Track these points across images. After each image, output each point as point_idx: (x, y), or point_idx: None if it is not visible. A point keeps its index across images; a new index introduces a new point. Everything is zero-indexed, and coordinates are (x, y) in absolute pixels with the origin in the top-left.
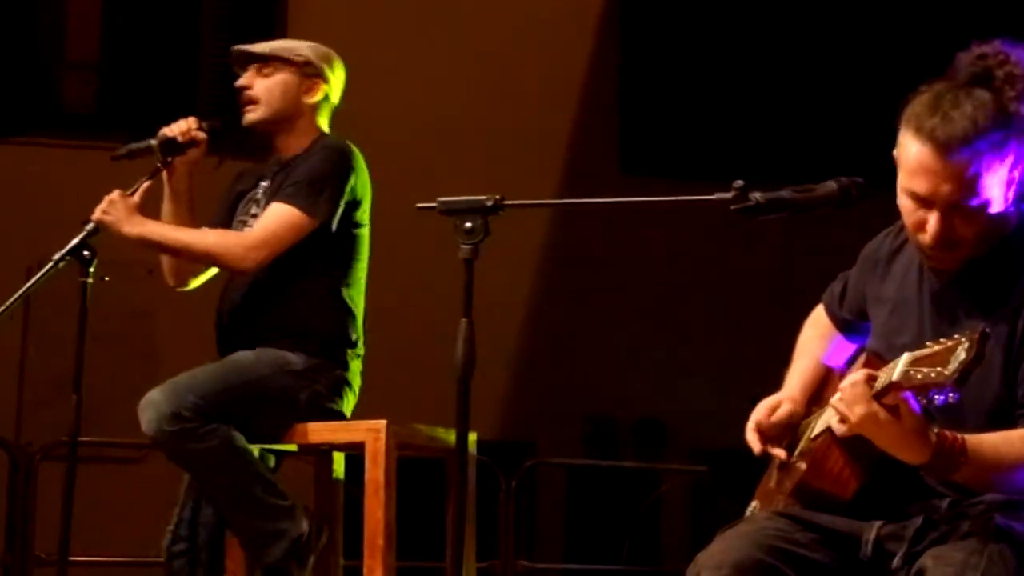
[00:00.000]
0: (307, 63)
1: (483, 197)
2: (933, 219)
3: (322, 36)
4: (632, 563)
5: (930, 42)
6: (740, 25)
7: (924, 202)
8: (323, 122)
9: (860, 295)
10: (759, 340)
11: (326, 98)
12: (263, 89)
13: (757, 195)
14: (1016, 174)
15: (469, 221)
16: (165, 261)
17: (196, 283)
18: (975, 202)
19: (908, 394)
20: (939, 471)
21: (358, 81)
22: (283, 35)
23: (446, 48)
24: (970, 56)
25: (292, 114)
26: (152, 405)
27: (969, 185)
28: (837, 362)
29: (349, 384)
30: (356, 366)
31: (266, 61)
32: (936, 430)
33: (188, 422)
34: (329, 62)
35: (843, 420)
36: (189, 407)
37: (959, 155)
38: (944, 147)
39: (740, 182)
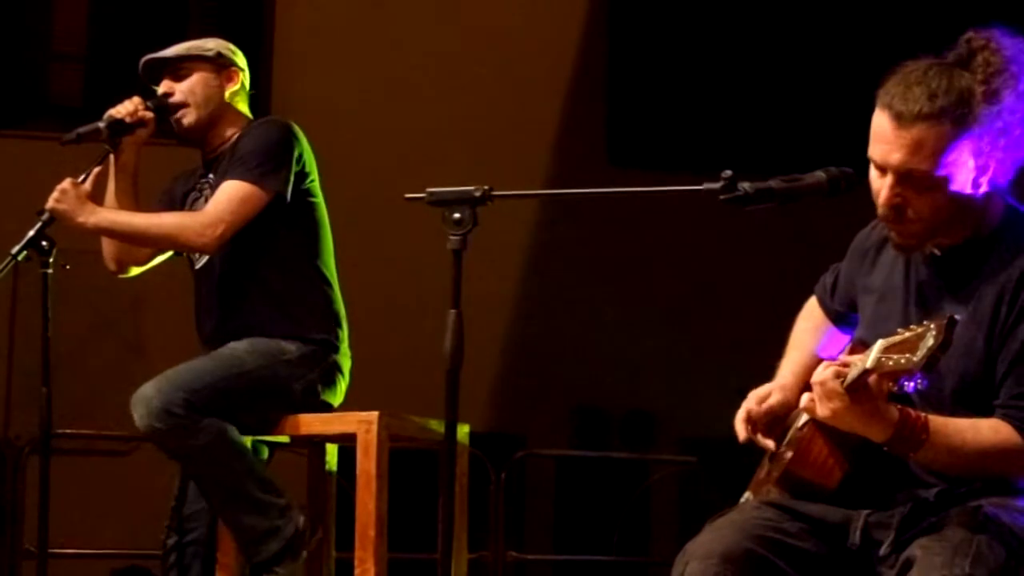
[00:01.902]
0: (219, 55)
1: (471, 188)
2: (885, 185)
3: (311, 29)
4: (621, 553)
5: (918, 31)
6: (728, 16)
7: (880, 170)
8: (245, 109)
9: (850, 286)
10: (749, 331)
11: (242, 85)
12: (186, 91)
13: (745, 185)
14: (988, 161)
15: (457, 212)
16: (106, 247)
17: (137, 271)
18: (925, 172)
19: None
20: (901, 447)
21: (346, 71)
22: (271, 28)
23: (434, 39)
24: (963, 38)
25: (219, 108)
26: (143, 401)
27: (918, 155)
28: (830, 353)
29: (341, 370)
30: (345, 348)
31: (179, 63)
32: (899, 407)
33: (180, 418)
34: (234, 51)
35: (811, 415)
36: (179, 403)
37: (911, 126)
38: (897, 117)
39: (728, 172)
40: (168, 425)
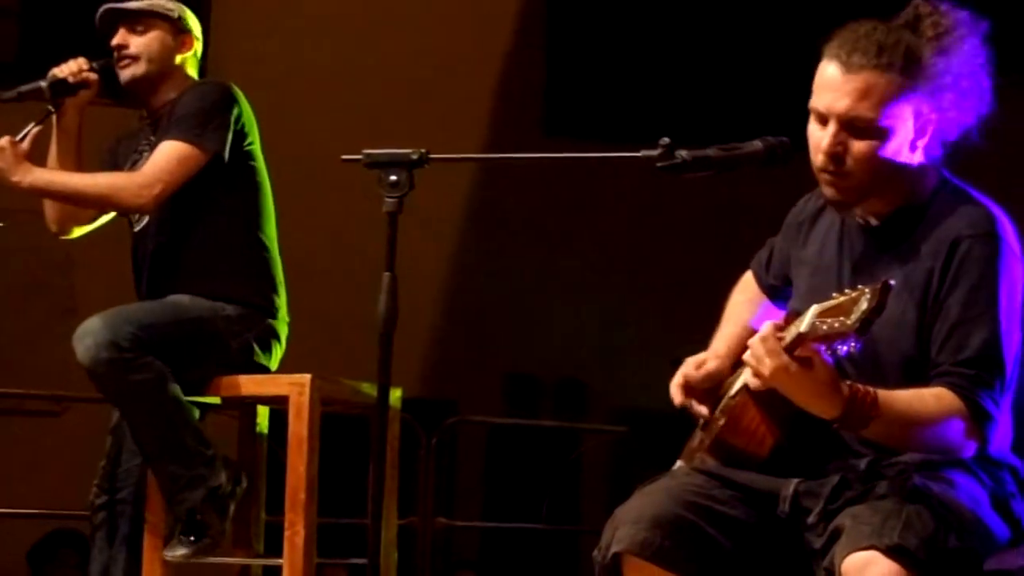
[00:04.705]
0: (179, 18)
1: (408, 150)
2: (827, 133)
3: None
4: (551, 522)
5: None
6: None
7: (822, 119)
8: (193, 73)
9: (784, 259)
10: (683, 302)
11: (195, 53)
12: (140, 46)
13: (683, 153)
14: (927, 123)
15: (394, 174)
16: (48, 208)
17: (80, 231)
18: (869, 120)
19: (820, 347)
20: (852, 424)
21: (285, 35)
22: None
23: (373, 4)
24: (910, 5)
25: (167, 70)
26: (90, 332)
27: (865, 101)
28: None
29: (277, 337)
30: (283, 314)
31: (139, 18)
32: (849, 383)
33: (126, 351)
34: (193, 19)
35: (757, 375)
36: (127, 337)
37: (859, 72)
38: (845, 65)
39: (666, 139)
40: (114, 357)
